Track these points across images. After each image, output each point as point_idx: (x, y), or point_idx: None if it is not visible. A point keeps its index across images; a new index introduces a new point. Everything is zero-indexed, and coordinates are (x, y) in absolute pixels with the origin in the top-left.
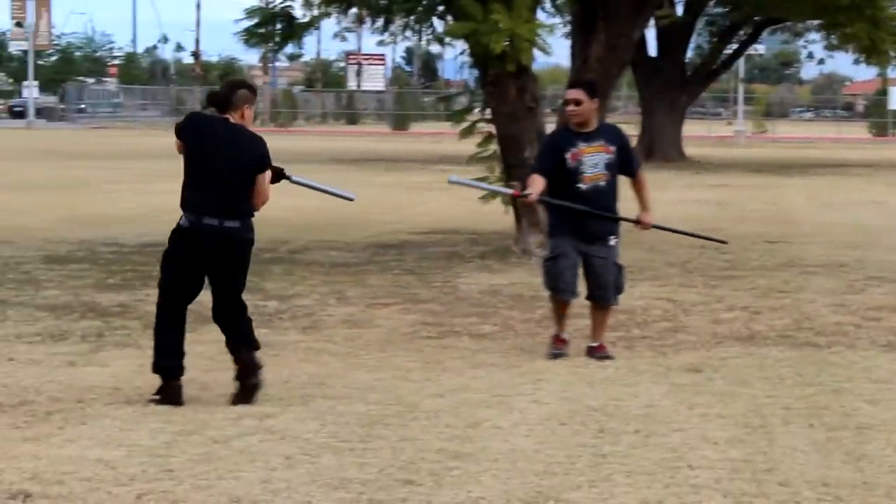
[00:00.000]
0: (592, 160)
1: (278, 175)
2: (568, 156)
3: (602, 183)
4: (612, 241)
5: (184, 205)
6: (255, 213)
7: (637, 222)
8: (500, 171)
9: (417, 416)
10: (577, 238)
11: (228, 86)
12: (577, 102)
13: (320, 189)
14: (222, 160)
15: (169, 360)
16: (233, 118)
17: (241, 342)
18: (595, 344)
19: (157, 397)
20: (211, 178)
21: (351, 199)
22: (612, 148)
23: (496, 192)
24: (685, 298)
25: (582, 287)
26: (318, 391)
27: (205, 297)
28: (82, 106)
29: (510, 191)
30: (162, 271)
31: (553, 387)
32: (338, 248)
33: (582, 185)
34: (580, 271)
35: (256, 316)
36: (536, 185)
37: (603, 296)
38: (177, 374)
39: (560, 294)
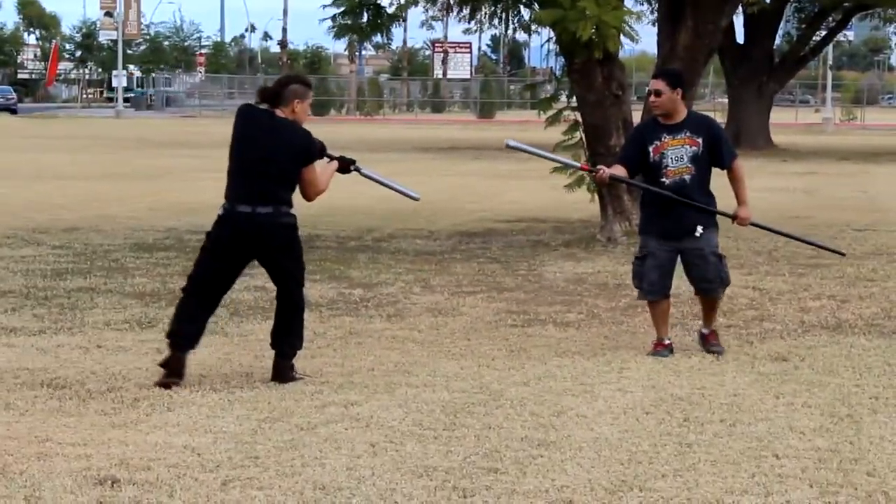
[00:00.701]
0: (676, 153)
1: (347, 166)
2: (651, 149)
3: (686, 177)
4: (700, 232)
5: (225, 193)
6: (310, 203)
7: (733, 218)
8: (585, 158)
9: (502, 404)
10: (666, 236)
11: (279, 81)
12: (658, 93)
13: (387, 185)
14: (259, 150)
15: (180, 331)
16: (283, 113)
17: (277, 342)
18: (706, 331)
19: (162, 368)
20: (247, 167)
21: (416, 199)
22: (699, 140)
23: (560, 162)
24: (771, 287)
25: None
26: (403, 379)
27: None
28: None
29: (577, 164)
30: (199, 254)
31: (638, 375)
32: (423, 237)
33: (665, 180)
34: (676, 269)
35: (342, 304)
36: (616, 173)
37: (705, 288)
38: (182, 347)
39: (645, 294)
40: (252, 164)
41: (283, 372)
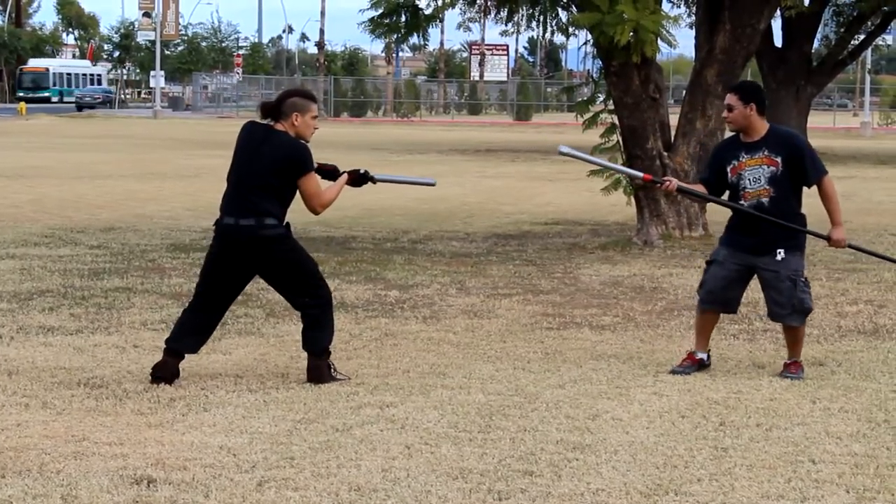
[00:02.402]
0: (753, 174)
1: (361, 179)
2: (728, 169)
3: (764, 200)
4: (780, 255)
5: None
6: (319, 215)
7: (827, 239)
8: (622, 161)
9: (537, 406)
10: (742, 249)
11: (279, 95)
12: (730, 108)
13: (403, 181)
14: (245, 162)
15: (175, 338)
16: (283, 127)
17: (306, 342)
18: (788, 360)
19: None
20: (234, 180)
21: (432, 185)
22: (777, 159)
23: (618, 171)
24: None
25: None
26: (439, 381)
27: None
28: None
29: (640, 174)
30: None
31: (674, 379)
32: (459, 239)
33: (743, 202)
34: (745, 286)
35: (378, 305)
36: (685, 185)
37: (776, 313)
38: (171, 352)
39: (700, 302)
40: (240, 177)
41: (318, 371)
